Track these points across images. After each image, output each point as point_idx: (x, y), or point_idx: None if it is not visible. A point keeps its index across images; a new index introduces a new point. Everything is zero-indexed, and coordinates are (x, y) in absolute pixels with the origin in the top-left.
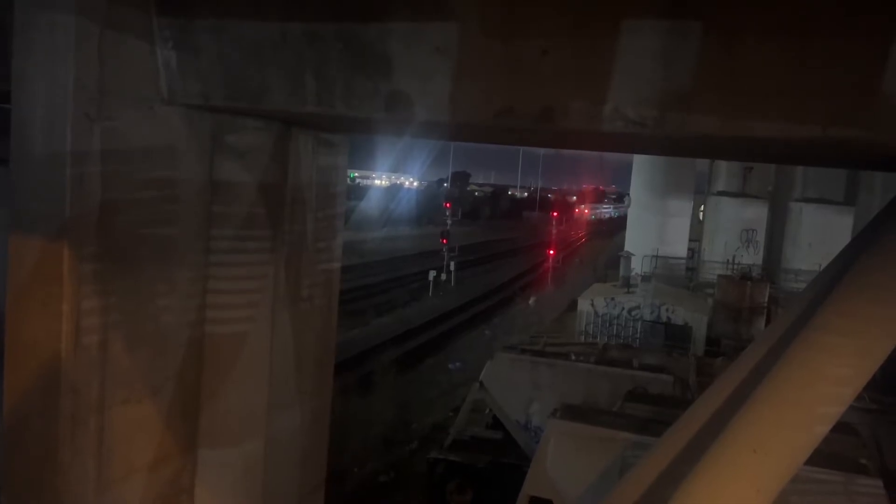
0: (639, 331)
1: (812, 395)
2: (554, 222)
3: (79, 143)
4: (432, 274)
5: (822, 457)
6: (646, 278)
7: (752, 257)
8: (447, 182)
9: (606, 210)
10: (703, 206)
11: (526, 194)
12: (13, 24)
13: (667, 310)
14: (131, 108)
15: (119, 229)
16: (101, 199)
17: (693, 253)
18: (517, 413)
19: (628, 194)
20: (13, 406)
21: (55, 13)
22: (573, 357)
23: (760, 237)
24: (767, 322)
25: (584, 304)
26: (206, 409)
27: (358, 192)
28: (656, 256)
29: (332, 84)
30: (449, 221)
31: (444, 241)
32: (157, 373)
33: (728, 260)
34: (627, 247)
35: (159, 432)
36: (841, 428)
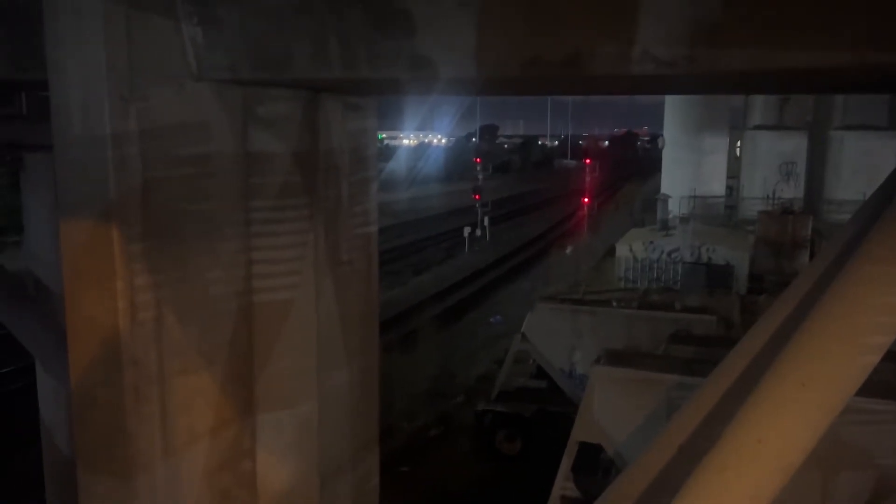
0: (679, 273)
1: (860, 326)
2: (587, 170)
3: (117, 125)
4: (467, 230)
5: (872, 386)
6: (684, 220)
7: (793, 191)
8: (476, 137)
9: None
10: (739, 142)
11: (556, 143)
12: (43, 11)
13: (707, 250)
14: (163, 86)
15: (161, 207)
16: (143, 179)
17: (731, 190)
18: (561, 362)
19: (661, 135)
20: (79, 379)
21: None
22: (614, 303)
23: (801, 169)
24: (811, 256)
25: (622, 250)
26: (259, 374)
27: (387, 152)
28: (694, 197)
29: (356, 47)
30: (480, 176)
31: (477, 196)
32: (210, 343)
33: (768, 195)
34: (663, 189)
35: (217, 399)
36: (890, 357)
